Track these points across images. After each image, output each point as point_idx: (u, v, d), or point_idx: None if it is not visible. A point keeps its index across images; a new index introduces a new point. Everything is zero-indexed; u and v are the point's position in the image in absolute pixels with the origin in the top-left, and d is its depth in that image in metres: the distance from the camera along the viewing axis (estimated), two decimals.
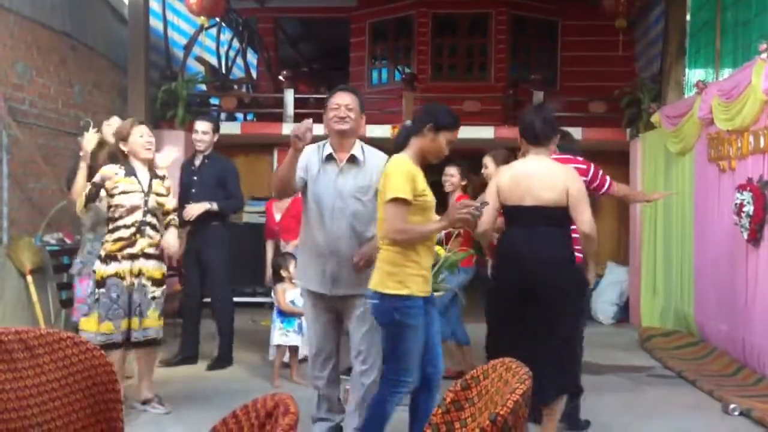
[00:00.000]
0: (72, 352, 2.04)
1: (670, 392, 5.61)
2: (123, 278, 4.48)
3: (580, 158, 4.55)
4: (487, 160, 5.46)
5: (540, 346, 3.78)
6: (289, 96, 9.72)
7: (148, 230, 4.58)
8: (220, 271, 6.03)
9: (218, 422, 1.81)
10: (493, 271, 4.26)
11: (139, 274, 4.54)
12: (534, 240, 3.87)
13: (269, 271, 6.14)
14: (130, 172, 4.60)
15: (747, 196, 5.81)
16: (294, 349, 5.65)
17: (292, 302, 5.59)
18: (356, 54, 11.84)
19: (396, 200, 3.32)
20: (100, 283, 4.47)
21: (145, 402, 4.72)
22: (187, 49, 10.32)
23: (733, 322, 6.21)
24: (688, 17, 8.44)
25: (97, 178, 4.53)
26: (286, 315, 5.60)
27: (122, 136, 4.67)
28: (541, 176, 3.88)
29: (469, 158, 5.90)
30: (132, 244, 4.52)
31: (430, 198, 3.49)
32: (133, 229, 4.52)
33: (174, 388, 5.36)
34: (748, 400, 5.03)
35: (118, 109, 8.45)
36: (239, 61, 12.86)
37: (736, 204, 5.98)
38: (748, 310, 5.93)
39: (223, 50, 12.13)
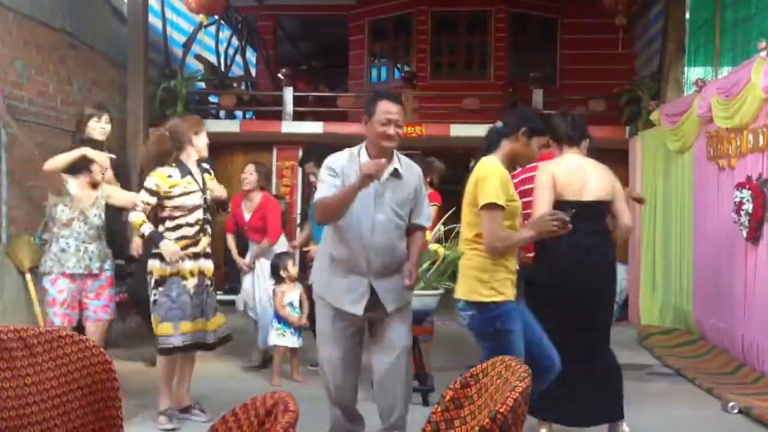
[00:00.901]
0: (71, 350, 2.04)
1: (669, 390, 5.61)
2: (185, 278, 4.32)
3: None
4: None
5: (601, 354, 4.00)
6: (288, 94, 9.72)
7: (208, 228, 4.51)
8: None
9: (217, 420, 1.81)
10: (547, 267, 3.95)
11: (201, 273, 4.42)
12: (597, 237, 3.96)
13: (240, 262, 6.23)
14: (186, 171, 4.41)
15: (746, 194, 5.81)
16: (293, 349, 5.65)
17: (290, 304, 5.60)
18: (355, 52, 11.83)
19: (491, 206, 3.20)
20: (159, 282, 4.28)
21: (184, 410, 4.53)
22: (186, 47, 10.32)
23: (732, 320, 6.21)
24: (687, 15, 8.44)
25: (152, 185, 4.27)
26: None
27: (189, 138, 4.48)
28: (593, 172, 4.02)
29: (468, 156, 5.89)
30: (196, 243, 4.39)
31: (518, 203, 3.40)
32: (197, 228, 4.39)
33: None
34: (747, 398, 5.04)
35: (117, 107, 8.45)
36: (238, 59, 12.86)
37: (735, 202, 5.98)
38: (748, 307, 5.93)
39: (222, 48, 12.13)
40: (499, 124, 3.58)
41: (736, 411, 4.88)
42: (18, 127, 6.57)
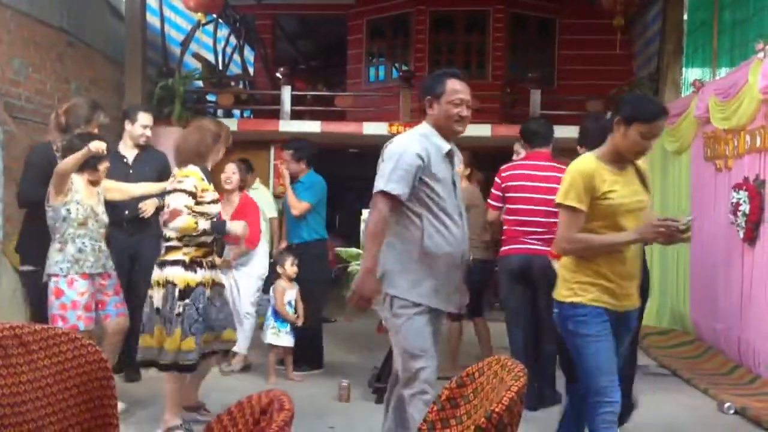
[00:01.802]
0: (66, 348, 2.03)
1: (665, 390, 5.61)
2: (207, 287, 4.09)
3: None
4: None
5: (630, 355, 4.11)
6: (287, 93, 9.71)
7: (221, 239, 4.35)
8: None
9: (213, 419, 1.81)
10: None
11: (219, 284, 4.25)
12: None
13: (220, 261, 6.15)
14: (209, 177, 4.20)
15: (743, 195, 5.82)
16: (290, 348, 5.64)
17: (289, 303, 5.60)
18: (354, 51, 11.83)
19: (561, 207, 3.08)
20: (185, 292, 3.97)
21: (193, 409, 4.40)
22: (184, 45, 10.30)
23: (729, 321, 6.22)
24: (685, 16, 8.46)
25: (191, 187, 4.00)
26: (281, 315, 5.59)
27: (219, 145, 4.26)
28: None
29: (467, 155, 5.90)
30: (212, 252, 4.19)
31: (620, 200, 3.05)
32: (212, 236, 4.15)
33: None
34: (743, 398, 5.05)
35: (114, 105, 8.44)
36: (236, 57, 12.83)
37: (732, 203, 5.99)
38: (744, 309, 5.94)
39: (220, 47, 12.11)
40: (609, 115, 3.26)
41: (732, 411, 4.89)
42: (15, 124, 6.56)
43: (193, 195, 3.97)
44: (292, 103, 9.72)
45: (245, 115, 11.32)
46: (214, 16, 10.94)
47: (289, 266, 5.63)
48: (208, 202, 4.06)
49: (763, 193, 5.65)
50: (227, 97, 10.39)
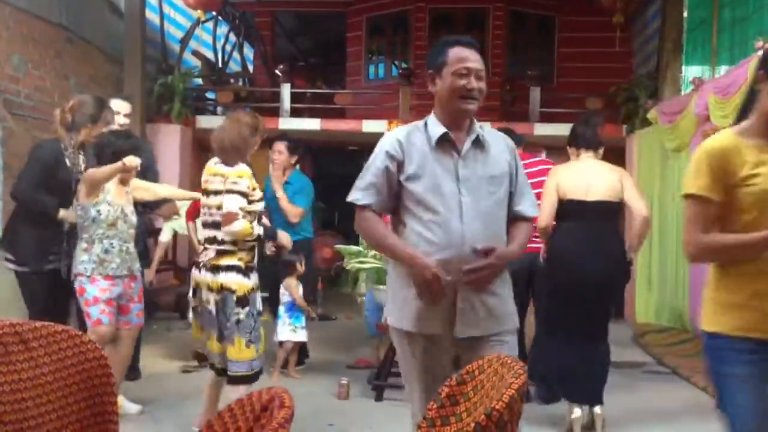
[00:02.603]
0: (67, 345, 2.03)
1: (664, 388, 5.63)
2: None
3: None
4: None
5: (600, 345, 4.31)
6: (286, 90, 9.71)
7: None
8: None
9: (213, 416, 1.81)
10: (553, 265, 4.33)
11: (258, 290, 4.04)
12: (602, 235, 4.23)
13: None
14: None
15: None
16: (296, 345, 5.65)
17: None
18: (353, 49, 11.82)
19: (686, 197, 2.28)
20: (243, 300, 3.77)
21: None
22: (184, 42, 10.30)
23: None
24: (685, 14, 8.45)
25: (245, 188, 3.78)
26: (295, 310, 5.59)
27: (263, 135, 4.07)
28: (599, 175, 4.28)
29: None
30: (255, 255, 3.98)
31: (757, 187, 2.18)
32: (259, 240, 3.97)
33: (170, 383, 5.37)
34: None
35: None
36: (236, 55, 12.83)
37: None
38: None
39: (219, 44, 12.10)
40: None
41: None
42: (14, 121, 6.56)
43: (246, 196, 3.78)
44: (292, 101, 9.73)
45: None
46: (214, 13, 10.94)
47: (299, 266, 5.65)
48: (256, 201, 3.89)
49: None
50: (227, 94, 10.38)
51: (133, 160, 4.12)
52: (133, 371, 5.26)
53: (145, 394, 4.91)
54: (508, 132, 5.39)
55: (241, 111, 4.20)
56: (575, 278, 4.19)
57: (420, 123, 2.76)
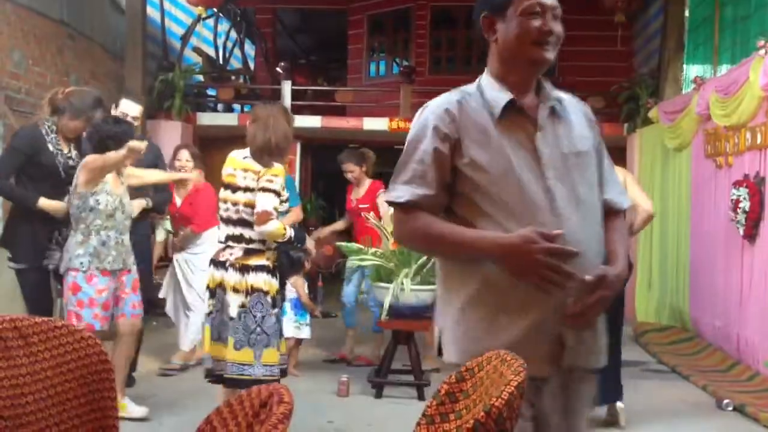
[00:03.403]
0: (67, 341, 2.03)
1: (664, 387, 5.63)
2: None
3: None
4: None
5: (617, 341, 4.34)
6: (287, 87, 9.71)
7: None
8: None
9: (212, 411, 1.81)
10: None
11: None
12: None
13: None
14: None
15: (743, 192, 5.82)
16: (297, 342, 5.66)
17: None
18: (354, 46, 11.82)
19: None
20: (276, 300, 3.65)
21: None
22: (185, 39, 10.30)
23: (728, 318, 6.23)
24: (687, 13, 8.44)
25: (279, 188, 3.63)
26: (300, 307, 5.59)
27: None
28: None
29: None
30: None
31: None
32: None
33: (170, 379, 5.37)
34: (742, 395, 5.05)
35: (114, 99, 8.42)
36: (237, 52, 12.83)
37: (732, 200, 5.99)
38: (743, 306, 5.95)
39: (220, 41, 12.11)
40: None
41: (730, 408, 4.90)
42: (15, 117, 6.56)
43: (279, 195, 3.62)
44: (293, 98, 9.73)
45: (245, 109, 11.31)
46: (215, 10, 10.94)
47: (306, 264, 5.63)
48: (285, 200, 3.76)
49: (763, 191, 5.65)
50: (227, 91, 10.39)
51: (139, 144, 3.92)
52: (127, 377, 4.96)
53: (144, 391, 4.90)
54: None
55: (276, 106, 3.98)
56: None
57: (470, 87, 2.07)
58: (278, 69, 10.29)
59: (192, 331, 5.60)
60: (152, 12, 9.70)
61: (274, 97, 9.98)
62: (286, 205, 3.78)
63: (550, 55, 2.00)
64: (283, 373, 3.74)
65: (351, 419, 4.51)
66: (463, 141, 1.91)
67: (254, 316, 3.55)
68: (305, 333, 5.64)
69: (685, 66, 8.45)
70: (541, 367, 1.85)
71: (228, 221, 3.67)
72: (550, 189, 1.88)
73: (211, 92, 10.78)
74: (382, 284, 4.94)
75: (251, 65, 13.21)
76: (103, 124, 4.14)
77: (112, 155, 3.92)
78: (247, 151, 3.71)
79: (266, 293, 3.58)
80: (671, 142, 7.62)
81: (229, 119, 9.92)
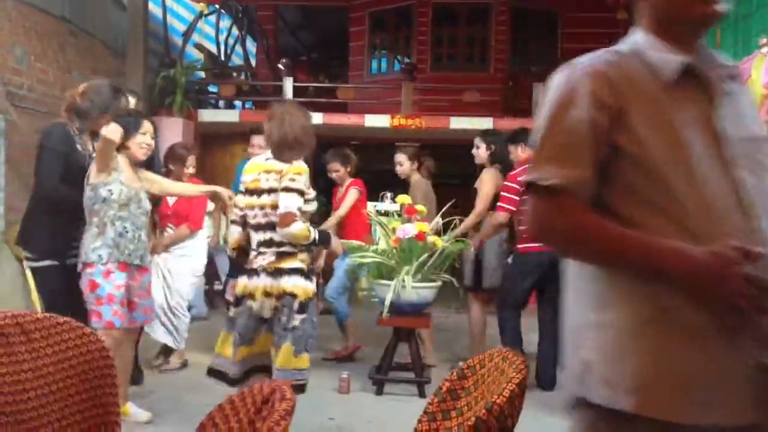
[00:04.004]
0: (68, 337, 2.04)
1: None
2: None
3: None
4: (401, 157, 5.98)
5: None
6: (288, 84, 9.71)
7: None
8: None
9: (215, 408, 1.82)
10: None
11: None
12: None
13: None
14: None
15: None
16: None
17: None
18: (356, 43, 11.81)
19: None
20: (305, 305, 3.50)
21: None
22: (186, 36, 10.30)
23: None
24: None
25: (303, 187, 3.49)
26: None
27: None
28: None
29: (467, 149, 5.91)
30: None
31: None
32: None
33: (171, 376, 5.38)
34: None
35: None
36: (238, 48, 12.83)
37: None
38: None
39: (222, 38, 12.10)
40: None
41: None
42: (17, 113, 6.56)
43: (303, 195, 3.47)
44: (294, 95, 9.72)
45: (247, 106, 11.32)
46: (217, 6, 10.93)
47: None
48: (311, 200, 3.59)
49: None
50: (229, 88, 10.39)
51: (112, 129, 3.66)
52: (137, 372, 4.95)
53: (144, 388, 4.91)
54: (524, 131, 5.45)
55: (291, 102, 3.86)
56: None
57: (623, 47, 1.61)
58: (280, 66, 10.29)
59: (183, 330, 5.52)
60: (154, 8, 9.70)
61: (276, 93, 9.97)
62: (313, 205, 3.62)
63: (722, 7, 1.54)
64: (297, 388, 3.55)
65: (352, 416, 4.52)
66: (627, 112, 1.46)
67: (280, 320, 3.48)
68: None
69: None
70: (744, 414, 1.39)
71: (257, 227, 3.55)
72: (738, 180, 1.45)
73: (212, 89, 10.78)
74: (384, 281, 4.94)
75: (253, 62, 13.21)
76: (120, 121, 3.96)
77: (106, 132, 3.66)
78: (267, 154, 3.60)
79: (296, 297, 3.46)
80: None
81: (230, 116, 9.92)
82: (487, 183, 5.59)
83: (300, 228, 3.41)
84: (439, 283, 5.03)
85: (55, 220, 4.09)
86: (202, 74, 10.72)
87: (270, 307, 3.50)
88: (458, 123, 9.25)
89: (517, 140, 5.55)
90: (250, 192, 3.58)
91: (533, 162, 1.52)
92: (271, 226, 3.49)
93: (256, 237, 3.56)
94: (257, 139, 5.71)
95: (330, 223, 5.96)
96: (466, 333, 6.03)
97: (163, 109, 9.25)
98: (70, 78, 7.71)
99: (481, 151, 5.76)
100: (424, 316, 5.09)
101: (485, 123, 9.04)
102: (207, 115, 9.70)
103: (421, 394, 4.94)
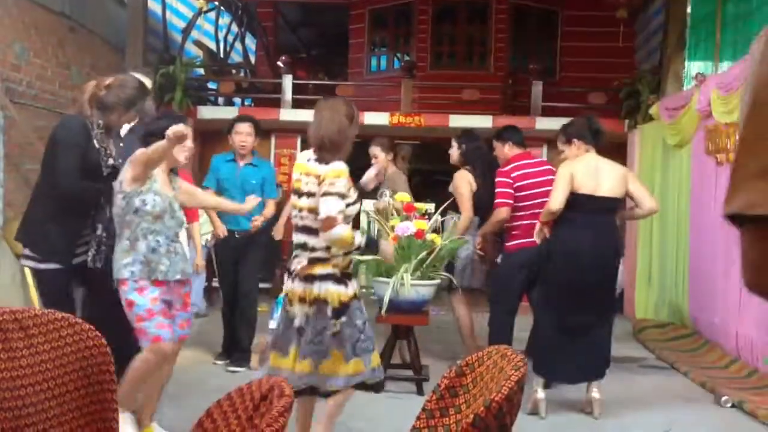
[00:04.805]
0: (67, 333, 2.03)
1: (662, 383, 5.63)
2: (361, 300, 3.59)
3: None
4: (376, 150, 5.94)
5: (604, 323, 4.66)
6: (288, 82, 9.69)
7: None
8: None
9: (213, 404, 1.82)
10: (560, 252, 4.59)
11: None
12: (605, 227, 4.59)
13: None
14: None
15: None
16: None
17: None
18: (356, 41, 11.80)
19: None
20: (340, 310, 3.39)
21: None
22: (186, 32, 10.28)
23: (727, 315, 6.23)
24: (688, 9, 8.42)
25: (345, 190, 3.37)
26: None
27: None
28: (607, 172, 4.57)
29: None
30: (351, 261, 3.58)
31: None
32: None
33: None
34: (740, 392, 5.06)
35: None
36: (238, 45, 12.81)
37: None
38: (742, 303, 5.95)
39: (221, 35, 12.08)
40: None
41: (729, 405, 4.90)
42: (16, 109, 6.55)
43: (344, 198, 3.36)
44: (293, 92, 9.71)
45: (246, 103, 11.31)
46: (216, 3, 10.92)
47: None
48: (352, 203, 3.45)
49: None
50: (228, 85, 10.37)
51: (180, 128, 3.36)
52: None
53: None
54: (511, 129, 5.55)
55: (339, 99, 3.73)
56: (587, 264, 4.48)
57: None
58: (279, 63, 10.27)
59: None
60: (153, 5, 9.69)
61: (275, 91, 9.96)
62: (356, 207, 3.49)
63: None
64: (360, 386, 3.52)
65: (350, 414, 4.50)
66: None
67: (315, 327, 3.39)
68: None
69: (686, 62, 8.43)
70: None
71: (296, 228, 3.51)
72: None
73: (212, 86, 10.76)
74: (382, 279, 4.94)
75: (252, 59, 13.19)
76: (147, 119, 3.81)
77: (155, 146, 3.46)
78: (310, 153, 3.52)
79: (327, 303, 3.37)
80: (672, 139, 7.62)
81: (229, 113, 9.88)
82: (462, 185, 5.64)
83: (343, 231, 3.31)
84: (437, 281, 5.03)
85: (64, 220, 3.82)
86: (202, 71, 10.70)
87: (303, 313, 3.42)
88: (457, 121, 9.23)
89: (503, 138, 5.59)
90: (294, 191, 3.52)
91: (736, 179, 0.93)
92: (306, 230, 3.43)
93: (295, 238, 3.51)
94: (245, 126, 5.63)
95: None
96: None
97: (163, 105, 9.23)
98: (69, 74, 7.70)
99: (453, 151, 5.80)
100: (423, 313, 5.09)
101: (485, 121, 9.04)
102: (206, 112, 9.68)
103: (420, 392, 4.94)
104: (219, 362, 5.69)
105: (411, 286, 4.79)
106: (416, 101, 9.92)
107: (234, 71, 11.94)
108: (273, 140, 9.91)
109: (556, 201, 4.47)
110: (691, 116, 7.05)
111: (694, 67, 8.21)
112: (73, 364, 2.04)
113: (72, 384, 2.02)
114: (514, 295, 5.33)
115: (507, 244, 5.33)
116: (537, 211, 5.02)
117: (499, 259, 5.48)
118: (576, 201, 4.50)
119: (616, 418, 4.65)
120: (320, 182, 3.35)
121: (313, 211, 3.36)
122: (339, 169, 3.35)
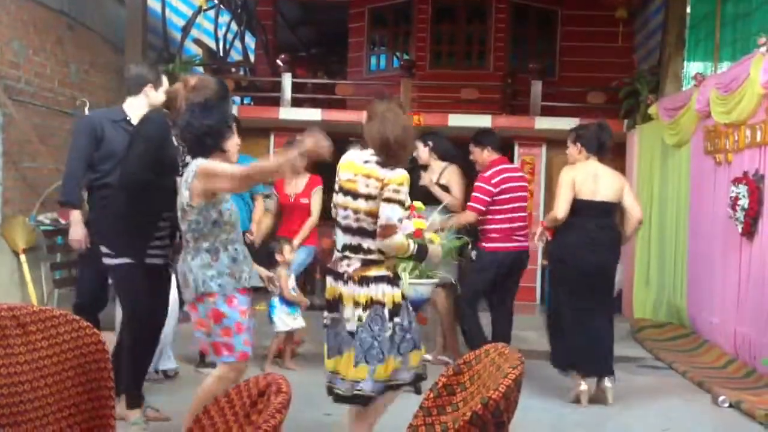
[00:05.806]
0: (64, 330, 2.04)
1: (660, 383, 5.63)
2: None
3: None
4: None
5: (607, 322, 4.89)
6: (287, 80, 9.68)
7: None
8: None
9: (210, 402, 1.82)
10: (560, 255, 4.90)
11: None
12: (604, 230, 4.81)
13: None
14: None
15: (742, 189, 5.82)
16: (290, 335, 5.65)
17: (293, 289, 5.60)
18: (355, 40, 11.80)
19: None
20: (394, 312, 3.33)
21: None
22: (185, 30, 10.27)
23: (726, 315, 6.23)
24: (688, 9, 8.43)
25: (404, 197, 3.32)
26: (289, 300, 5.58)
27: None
28: (605, 178, 4.82)
29: (465, 146, 5.91)
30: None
31: None
32: None
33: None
34: (738, 392, 5.06)
35: (114, 90, 8.42)
36: (237, 44, 12.81)
37: (731, 197, 5.99)
38: (741, 303, 5.95)
39: (221, 33, 12.08)
40: None
41: (726, 405, 4.90)
42: (14, 107, 6.54)
43: (404, 206, 3.32)
44: (293, 91, 9.70)
45: (245, 102, 11.30)
46: (216, 1, 10.91)
47: (288, 253, 5.60)
48: (408, 209, 3.44)
49: (762, 188, 5.65)
50: (227, 83, 10.34)
51: (319, 139, 3.23)
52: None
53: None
54: (489, 133, 5.72)
55: (393, 100, 3.57)
56: (588, 264, 4.74)
57: None
58: (278, 61, 10.26)
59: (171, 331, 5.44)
60: (152, 3, 9.67)
61: (275, 89, 9.95)
62: (407, 213, 3.48)
63: None
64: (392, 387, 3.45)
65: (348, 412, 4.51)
66: None
67: (372, 330, 3.32)
68: (299, 323, 5.63)
69: (685, 62, 8.43)
70: None
71: (347, 230, 3.38)
72: None
73: None
74: None
75: (251, 57, 13.18)
76: (191, 117, 3.41)
77: (263, 164, 3.39)
78: (365, 154, 3.40)
79: (383, 305, 3.31)
80: (671, 139, 7.62)
81: None
82: (459, 180, 5.80)
83: (400, 240, 3.31)
84: (436, 280, 5.03)
85: (133, 215, 3.79)
86: (201, 69, 10.69)
87: (357, 316, 3.34)
88: (457, 120, 9.23)
89: (482, 143, 5.62)
90: (344, 192, 3.39)
91: None
92: (361, 232, 3.34)
93: (344, 239, 3.40)
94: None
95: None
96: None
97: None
98: (68, 72, 7.70)
99: (421, 151, 5.83)
100: (421, 312, 5.10)
101: (484, 120, 9.04)
102: None
103: (417, 390, 4.93)
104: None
105: (409, 284, 4.79)
106: (415, 100, 9.92)
107: (233, 70, 11.94)
108: (272, 139, 9.90)
109: (561, 209, 4.76)
110: (690, 116, 7.05)
111: (693, 67, 8.21)
112: (70, 360, 2.05)
113: (69, 381, 2.02)
114: (478, 290, 5.53)
115: (484, 244, 5.51)
116: (514, 215, 5.47)
117: (473, 256, 5.59)
118: (575, 206, 4.78)
119: (615, 418, 4.66)
120: (383, 186, 3.27)
121: (372, 214, 3.29)
122: (404, 176, 3.30)
